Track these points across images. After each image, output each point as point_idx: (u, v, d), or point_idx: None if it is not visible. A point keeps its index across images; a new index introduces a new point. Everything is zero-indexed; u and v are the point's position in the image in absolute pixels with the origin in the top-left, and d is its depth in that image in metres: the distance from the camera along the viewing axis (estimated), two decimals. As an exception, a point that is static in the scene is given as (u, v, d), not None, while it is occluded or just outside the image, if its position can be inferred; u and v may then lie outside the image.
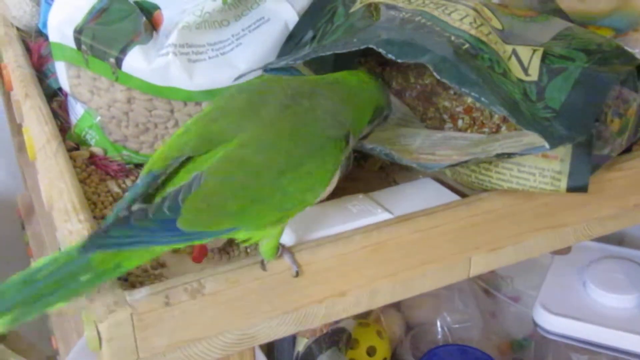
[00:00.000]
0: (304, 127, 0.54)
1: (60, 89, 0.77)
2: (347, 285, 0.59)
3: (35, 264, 0.49)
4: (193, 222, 0.50)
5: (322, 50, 0.59)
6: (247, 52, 0.68)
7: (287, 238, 0.59)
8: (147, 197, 0.51)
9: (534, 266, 1.09)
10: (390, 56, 0.57)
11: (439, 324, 1.06)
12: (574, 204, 0.61)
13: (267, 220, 0.53)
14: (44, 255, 1.15)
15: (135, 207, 0.50)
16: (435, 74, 0.56)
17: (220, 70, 0.67)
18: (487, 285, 1.14)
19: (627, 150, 0.66)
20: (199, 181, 0.50)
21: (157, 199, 0.51)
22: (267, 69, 0.63)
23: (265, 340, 0.58)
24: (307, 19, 0.70)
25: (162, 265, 0.61)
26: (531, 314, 0.99)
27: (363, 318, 1.02)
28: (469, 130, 0.76)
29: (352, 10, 0.67)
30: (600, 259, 1.01)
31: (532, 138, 0.57)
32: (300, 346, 0.94)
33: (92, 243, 0.49)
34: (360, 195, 0.65)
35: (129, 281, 0.59)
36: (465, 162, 0.59)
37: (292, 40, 0.69)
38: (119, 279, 0.56)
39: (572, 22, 0.69)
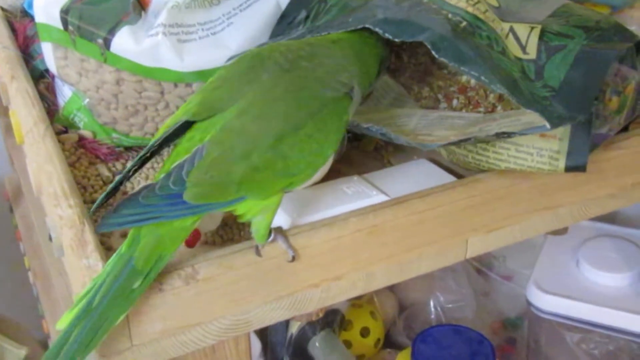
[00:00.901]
0: (301, 90, 0.53)
1: (47, 70, 0.75)
2: (342, 268, 0.58)
3: (82, 294, 0.50)
4: (199, 194, 0.50)
5: (317, 30, 0.58)
6: (238, 31, 0.67)
7: (282, 221, 0.58)
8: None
9: (527, 245, 1.08)
10: (387, 35, 0.55)
11: (432, 304, 1.06)
12: (572, 184, 0.60)
13: (275, 188, 0.53)
14: (33, 239, 1.15)
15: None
16: (433, 52, 0.54)
17: (211, 50, 0.66)
18: (480, 265, 1.13)
19: (625, 129, 0.65)
20: (201, 153, 0.50)
21: (161, 174, 0.51)
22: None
23: (260, 325, 0.57)
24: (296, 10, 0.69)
25: (155, 250, 0.60)
26: (524, 293, 0.98)
27: (356, 299, 1.02)
28: (464, 110, 0.75)
29: None
30: (594, 238, 1.01)
31: (532, 117, 0.57)
32: (294, 328, 0.93)
33: (104, 223, 0.50)
34: (355, 177, 0.64)
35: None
36: (464, 140, 0.58)
37: (284, 20, 0.68)
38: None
39: (568, -1, 0.68)
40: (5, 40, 0.81)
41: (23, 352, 1.09)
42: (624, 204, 0.68)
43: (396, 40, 0.56)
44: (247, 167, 0.51)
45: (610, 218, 1.10)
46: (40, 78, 0.77)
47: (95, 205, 0.54)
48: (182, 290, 0.52)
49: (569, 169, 0.58)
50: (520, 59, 0.59)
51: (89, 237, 0.55)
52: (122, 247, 0.51)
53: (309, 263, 0.56)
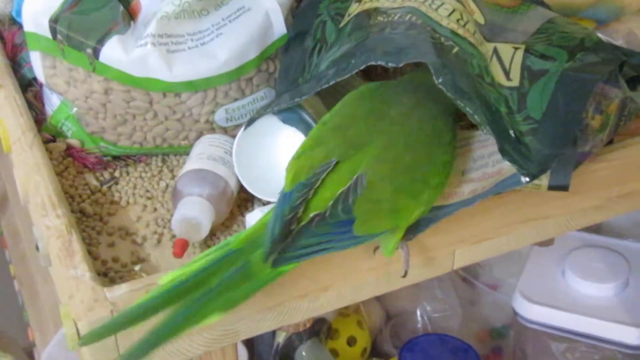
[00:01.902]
0: (434, 121, 0.57)
1: (35, 78, 0.75)
2: (330, 279, 0.58)
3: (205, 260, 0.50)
4: (364, 223, 0.52)
5: (325, 79, 0.58)
6: (228, 42, 0.67)
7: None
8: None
9: (513, 254, 1.08)
10: (391, 65, 0.56)
11: (418, 313, 1.06)
12: (558, 196, 0.60)
13: (414, 217, 0.55)
14: (19, 247, 1.14)
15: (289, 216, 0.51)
16: (435, 77, 0.55)
17: (200, 60, 0.66)
18: (466, 274, 1.14)
19: (609, 142, 0.66)
20: (363, 182, 0.52)
21: (311, 207, 0.52)
22: (274, 111, 0.62)
23: (249, 335, 0.57)
24: (297, 44, 0.68)
25: (143, 260, 0.60)
26: (510, 302, 0.99)
27: (343, 308, 1.02)
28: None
29: (342, 24, 0.66)
30: (579, 248, 1.01)
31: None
32: (281, 337, 0.94)
33: (283, 257, 0.50)
34: (343, 188, 0.64)
35: (109, 277, 0.58)
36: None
37: (286, 77, 0.67)
38: (98, 274, 0.55)
39: (553, 12, 0.69)
40: (-7, 49, 0.81)
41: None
42: (610, 216, 0.69)
43: (400, 65, 0.56)
44: (405, 196, 0.54)
45: (595, 228, 1.11)
46: (28, 86, 0.77)
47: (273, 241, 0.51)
48: (170, 301, 0.52)
49: (551, 187, 0.58)
50: (503, 87, 0.60)
51: (77, 246, 0.55)
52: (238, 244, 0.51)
53: (297, 274, 0.56)
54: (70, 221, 0.57)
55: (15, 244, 1.19)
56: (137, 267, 0.58)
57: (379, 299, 1.08)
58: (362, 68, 0.58)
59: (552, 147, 0.57)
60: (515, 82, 0.60)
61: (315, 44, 0.66)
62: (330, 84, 0.58)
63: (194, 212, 0.59)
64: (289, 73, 0.67)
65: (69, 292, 0.52)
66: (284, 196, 0.53)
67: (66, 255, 0.54)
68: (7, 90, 0.73)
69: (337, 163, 0.53)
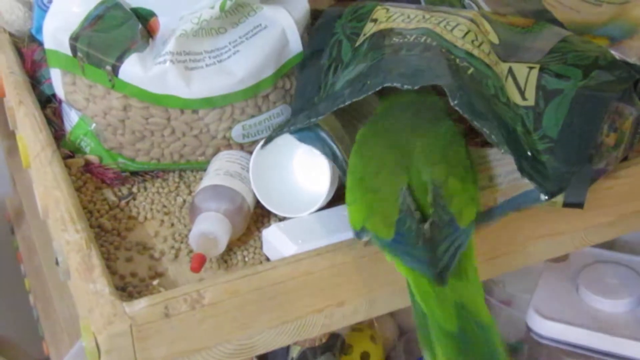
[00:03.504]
0: (445, 130, 0.62)
1: (54, 95, 0.76)
2: (346, 294, 0.59)
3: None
4: (460, 215, 0.55)
5: (341, 100, 0.59)
6: (245, 59, 0.68)
7: (286, 246, 0.59)
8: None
9: (526, 270, 1.08)
10: (406, 87, 0.57)
11: (432, 328, 1.06)
12: (572, 212, 0.60)
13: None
14: (34, 261, 1.15)
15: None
16: (450, 99, 0.56)
17: (218, 77, 0.67)
18: (480, 290, 1.13)
19: (624, 158, 0.66)
20: (439, 189, 0.55)
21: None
22: (291, 131, 0.62)
23: (265, 350, 0.58)
24: (313, 62, 0.69)
25: (161, 275, 0.61)
26: (524, 318, 0.99)
27: (357, 323, 1.02)
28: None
29: (357, 44, 0.66)
30: (593, 264, 1.01)
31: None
32: (294, 352, 0.93)
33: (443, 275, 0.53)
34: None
35: (127, 291, 0.58)
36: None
37: (303, 95, 0.68)
38: (117, 288, 0.56)
39: (567, 31, 0.69)
40: (13, 66, 0.82)
41: (23, 374, 1.09)
42: (624, 232, 0.69)
43: (415, 87, 0.57)
44: (471, 182, 0.58)
45: (609, 244, 1.11)
46: (47, 103, 0.78)
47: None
48: (187, 315, 0.53)
49: (567, 205, 0.59)
50: (519, 107, 0.60)
51: (96, 261, 0.56)
52: None
53: (313, 289, 0.57)
54: (89, 236, 0.58)
55: (31, 258, 1.20)
56: (155, 282, 0.59)
57: (392, 314, 1.08)
58: (377, 89, 0.58)
59: (568, 165, 0.57)
60: (530, 101, 0.61)
61: (331, 62, 0.67)
62: (346, 104, 0.59)
63: (212, 227, 0.60)
64: (305, 91, 0.67)
65: (89, 306, 0.53)
66: (394, 241, 0.54)
67: (85, 270, 0.55)
68: (27, 107, 0.74)
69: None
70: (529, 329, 0.97)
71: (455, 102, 0.56)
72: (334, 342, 0.96)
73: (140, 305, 0.52)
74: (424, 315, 0.54)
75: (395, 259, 0.55)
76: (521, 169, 0.56)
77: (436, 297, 0.53)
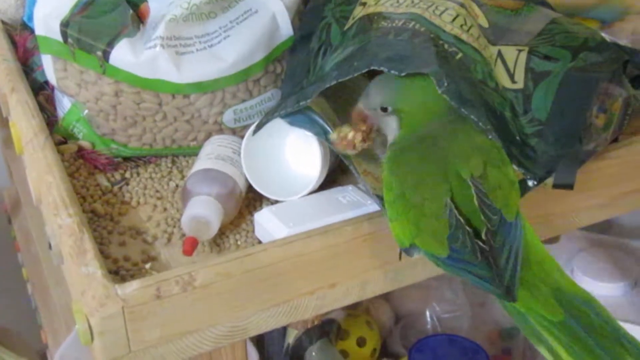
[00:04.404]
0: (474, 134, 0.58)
1: (46, 82, 0.77)
2: (337, 276, 0.59)
3: None
4: (506, 207, 0.54)
5: (329, 81, 0.59)
6: (235, 44, 0.68)
7: (278, 230, 0.59)
8: None
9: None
10: (393, 72, 0.57)
11: (428, 314, 1.06)
12: (562, 194, 0.61)
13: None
14: (31, 250, 1.15)
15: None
16: (437, 87, 0.56)
17: (208, 62, 0.67)
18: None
19: (613, 140, 0.66)
20: (480, 185, 0.53)
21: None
22: (281, 115, 0.62)
23: (257, 332, 0.58)
24: (303, 46, 0.69)
25: (154, 258, 0.61)
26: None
27: (352, 309, 1.02)
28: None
29: (346, 27, 0.66)
30: (588, 248, 1.02)
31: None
32: (291, 338, 0.94)
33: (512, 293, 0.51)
34: (350, 187, 0.65)
35: (120, 275, 0.59)
36: None
37: (292, 79, 0.68)
38: (110, 272, 0.56)
39: (557, 13, 0.69)
40: (5, 53, 0.82)
41: (22, 363, 1.10)
42: (614, 213, 0.69)
43: (402, 74, 0.57)
44: (508, 167, 0.56)
45: (604, 228, 1.11)
46: (40, 90, 0.78)
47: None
48: (179, 297, 0.53)
49: (556, 186, 0.59)
50: (508, 90, 0.60)
51: (88, 245, 0.56)
52: None
53: (305, 271, 0.57)
54: (81, 220, 0.58)
55: (28, 248, 1.20)
56: (147, 265, 0.59)
57: (388, 299, 1.09)
58: (364, 71, 0.58)
59: (558, 148, 0.58)
60: (519, 84, 0.61)
61: (320, 45, 0.67)
62: (332, 84, 0.59)
63: (203, 211, 0.60)
64: (294, 75, 0.67)
65: (81, 289, 0.53)
66: (450, 258, 0.53)
67: (78, 253, 0.55)
68: (20, 94, 0.74)
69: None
70: (524, 313, 0.97)
71: (442, 89, 0.56)
72: (331, 328, 0.96)
73: (132, 287, 0.52)
74: (519, 312, 0.52)
75: (457, 276, 0.54)
76: (510, 155, 0.56)
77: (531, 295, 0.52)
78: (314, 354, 0.94)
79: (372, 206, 0.62)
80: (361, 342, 1.00)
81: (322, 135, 0.62)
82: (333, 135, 0.61)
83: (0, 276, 1.31)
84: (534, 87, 0.60)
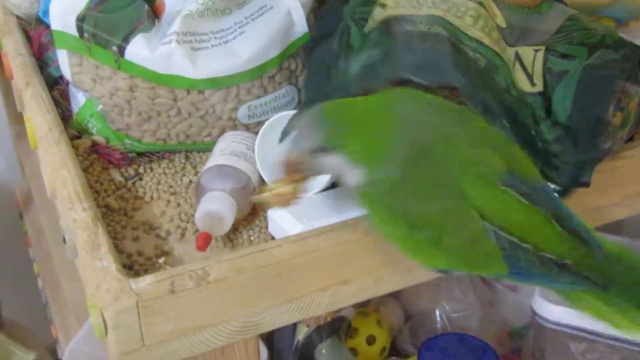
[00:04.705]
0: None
1: (61, 77, 0.77)
2: (351, 273, 0.59)
3: None
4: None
5: (354, 88, 0.59)
6: (250, 40, 0.68)
7: (292, 226, 0.59)
8: None
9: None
10: (423, 82, 0.57)
11: (437, 313, 1.06)
12: (576, 192, 0.61)
13: None
14: (42, 245, 1.16)
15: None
16: (465, 99, 0.56)
17: (223, 58, 0.67)
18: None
19: (629, 139, 0.66)
20: (511, 172, 0.51)
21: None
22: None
23: (270, 328, 0.58)
24: (321, 48, 0.68)
25: (167, 253, 0.61)
26: (529, 303, 0.99)
27: (362, 307, 1.02)
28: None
29: (366, 29, 0.66)
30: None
31: None
32: (301, 335, 0.94)
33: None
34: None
35: (134, 269, 0.59)
36: None
37: (314, 85, 0.67)
38: (124, 266, 0.56)
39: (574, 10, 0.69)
40: (20, 48, 0.83)
41: (31, 357, 1.10)
42: (628, 213, 0.69)
43: (428, 84, 0.57)
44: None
45: (617, 229, 1.11)
46: (55, 85, 0.79)
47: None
48: (193, 292, 0.53)
49: (572, 185, 0.59)
50: (528, 95, 0.60)
51: (103, 239, 0.56)
52: None
53: (318, 267, 0.57)
54: (96, 214, 0.59)
55: (39, 243, 1.21)
56: (161, 260, 0.60)
57: (398, 298, 1.08)
58: (394, 79, 0.58)
59: (580, 151, 0.58)
60: (539, 86, 0.61)
61: (340, 49, 0.67)
62: (358, 92, 0.59)
63: (217, 206, 0.60)
64: (316, 79, 0.67)
65: (95, 283, 0.53)
66: (513, 273, 0.51)
67: (92, 248, 0.55)
68: (35, 88, 0.75)
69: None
70: (534, 314, 0.97)
71: (469, 102, 0.56)
72: (340, 325, 0.96)
73: (146, 281, 0.52)
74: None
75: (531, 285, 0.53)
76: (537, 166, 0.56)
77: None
78: (324, 351, 0.93)
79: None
80: (371, 341, 1.00)
81: None
82: (263, 195, 0.56)
83: (10, 271, 1.32)
84: (553, 88, 0.60)
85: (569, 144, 0.58)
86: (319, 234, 0.57)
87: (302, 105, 0.69)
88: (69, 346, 0.91)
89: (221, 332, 0.56)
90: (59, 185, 0.63)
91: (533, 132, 0.59)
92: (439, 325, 1.05)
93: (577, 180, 0.58)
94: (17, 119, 1.31)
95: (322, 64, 0.67)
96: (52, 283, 1.12)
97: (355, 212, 0.60)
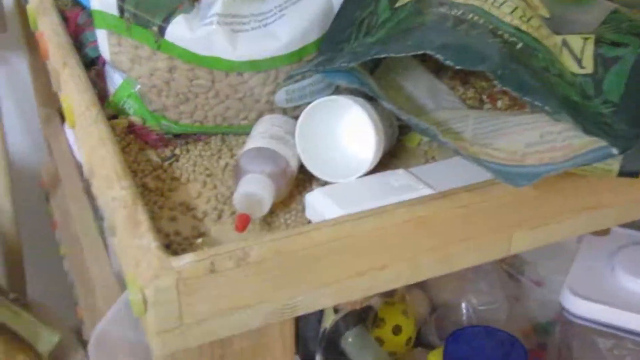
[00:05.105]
0: None
1: (97, 57, 0.77)
2: (388, 258, 0.59)
3: None
4: None
5: (377, 52, 0.59)
6: (289, 24, 0.68)
7: (331, 210, 0.59)
8: None
9: (558, 251, 1.08)
10: (448, 62, 0.56)
11: (464, 305, 1.06)
12: (619, 185, 0.60)
13: None
14: (69, 227, 1.16)
15: None
16: (496, 81, 0.55)
17: (263, 41, 0.67)
18: (512, 270, 1.13)
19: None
20: None
21: None
22: (319, 70, 0.62)
23: (306, 311, 0.58)
24: (350, 9, 0.69)
25: (204, 234, 0.61)
26: (556, 299, 0.98)
27: (389, 297, 1.02)
28: (509, 110, 0.75)
29: (398, 4, 0.66)
30: (629, 245, 1.00)
31: None
32: (327, 323, 0.94)
33: None
34: (401, 171, 0.65)
35: (171, 249, 0.59)
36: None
37: (332, 38, 0.67)
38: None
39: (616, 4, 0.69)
40: (57, 28, 0.83)
41: (56, 337, 1.11)
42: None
43: (457, 67, 0.56)
44: None
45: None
46: (91, 65, 0.79)
47: None
48: (232, 272, 0.53)
49: (622, 173, 0.58)
50: (576, 75, 0.60)
51: (142, 217, 0.56)
52: None
53: (356, 252, 0.57)
54: (135, 193, 0.59)
55: (65, 225, 1.21)
56: (198, 241, 0.60)
57: (424, 289, 1.08)
58: (417, 53, 0.58)
59: (634, 127, 0.56)
60: (588, 69, 0.60)
61: (366, 16, 0.66)
62: (382, 56, 0.58)
63: (257, 188, 0.60)
64: (336, 37, 0.67)
65: (135, 260, 0.53)
66: None
67: (132, 226, 0.55)
68: (72, 68, 0.75)
69: None
70: (562, 308, 0.97)
71: (502, 82, 0.55)
72: (367, 315, 0.96)
73: (186, 260, 0.52)
74: None
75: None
76: (588, 131, 0.55)
77: None
78: (350, 339, 0.94)
79: (424, 190, 0.62)
80: (396, 331, 1.00)
81: (357, 84, 0.61)
82: None
83: (37, 253, 1.33)
84: (605, 72, 0.60)
85: (624, 118, 0.57)
86: (357, 218, 0.57)
87: (317, 55, 0.68)
88: (97, 328, 0.91)
89: (258, 314, 0.55)
90: (97, 164, 0.63)
91: (581, 105, 0.58)
92: (465, 318, 1.05)
93: (632, 144, 0.56)
94: (46, 101, 1.32)
95: (345, 24, 0.66)
96: (79, 265, 1.12)
97: (394, 198, 0.60)
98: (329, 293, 0.58)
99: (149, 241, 0.54)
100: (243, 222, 0.59)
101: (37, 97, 1.32)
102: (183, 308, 0.52)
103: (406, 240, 0.59)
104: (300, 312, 0.58)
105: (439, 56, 0.56)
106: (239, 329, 0.55)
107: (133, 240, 0.54)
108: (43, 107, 1.32)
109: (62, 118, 1.19)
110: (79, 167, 1.09)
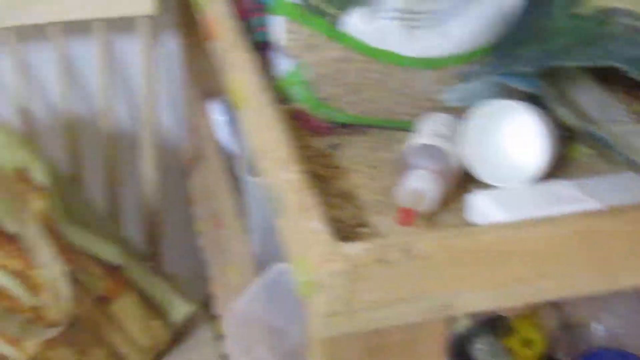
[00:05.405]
0: None
1: (265, 42, 0.79)
2: (551, 268, 0.58)
3: None
4: None
5: (561, 60, 0.58)
6: (465, 24, 0.68)
7: (496, 214, 0.59)
8: None
9: None
10: (635, 76, 0.55)
11: (598, 326, 1.03)
12: None
13: None
14: (210, 203, 1.20)
15: None
16: None
17: (438, 39, 0.67)
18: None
19: None
20: None
21: None
22: (498, 72, 0.62)
23: (462, 311, 0.57)
24: (524, 11, 0.68)
25: (365, 224, 0.62)
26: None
27: (522, 309, 1.00)
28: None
29: (575, 10, 0.65)
30: None
31: None
32: (459, 327, 0.94)
33: None
34: (567, 181, 0.64)
35: (340, 235, 0.60)
36: None
37: (508, 39, 0.67)
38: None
39: None
40: (227, 12, 0.85)
41: (191, 308, 1.14)
42: None
43: None
44: None
45: None
46: (259, 50, 0.81)
47: None
48: (400, 264, 0.53)
49: None
50: None
51: (314, 202, 0.57)
52: None
53: (520, 258, 0.56)
54: (305, 178, 0.60)
55: (204, 202, 1.25)
56: (363, 230, 0.60)
57: (557, 305, 1.06)
58: (604, 65, 0.56)
59: None
60: None
61: (541, 20, 0.65)
62: (565, 64, 0.58)
63: (424, 184, 0.61)
64: (509, 39, 0.66)
65: (306, 243, 0.54)
66: None
67: (303, 209, 0.57)
68: (241, 52, 0.77)
69: None
70: None
71: None
72: (500, 324, 0.95)
73: (357, 247, 0.53)
74: None
75: None
76: None
77: None
78: (480, 346, 0.93)
79: (592, 203, 0.61)
80: (527, 343, 0.98)
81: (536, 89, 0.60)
82: None
83: (175, 228, 1.37)
84: None
85: None
86: (526, 225, 0.56)
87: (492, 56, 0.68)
88: (234, 306, 0.93)
89: (417, 309, 0.56)
90: (268, 146, 0.65)
91: None
92: (598, 338, 1.02)
93: None
94: (193, 81, 1.36)
95: (519, 27, 0.66)
96: (216, 242, 1.16)
97: (562, 208, 0.59)
98: (487, 297, 0.57)
99: (320, 225, 0.55)
100: (410, 216, 0.59)
101: (186, 77, 1.37)
102: (352, 294, 0.53)
103: (570, 252, 0.57)
104: (456, 312, 0.57)
105: (627, 69, 0.55)
106: (399, 320, 0.56)
107: (304, 223, 0.56)
108: (189, 87, 1.37)
109: (206, 98, 1.22)
110: (220, 146, 1.12)
